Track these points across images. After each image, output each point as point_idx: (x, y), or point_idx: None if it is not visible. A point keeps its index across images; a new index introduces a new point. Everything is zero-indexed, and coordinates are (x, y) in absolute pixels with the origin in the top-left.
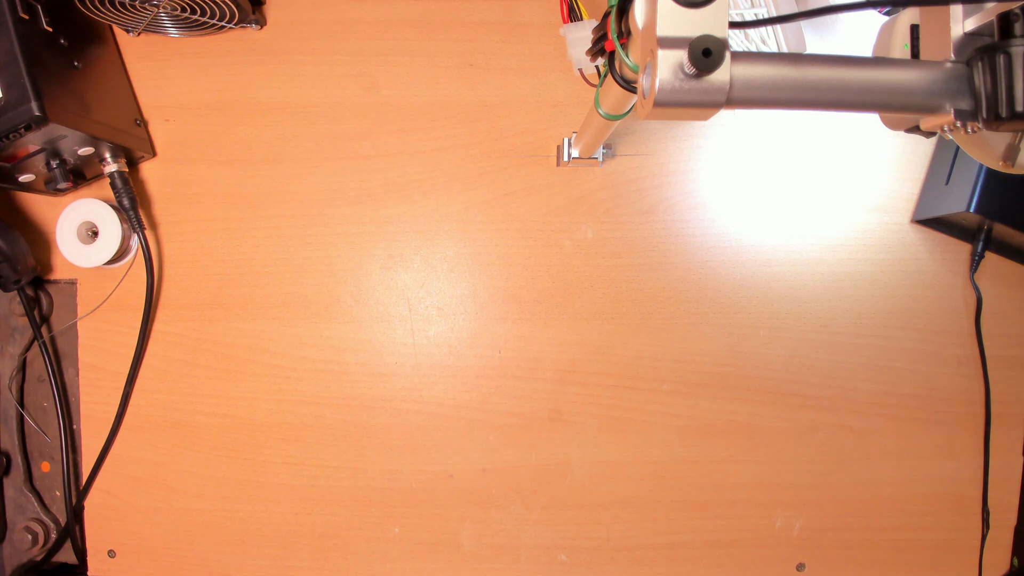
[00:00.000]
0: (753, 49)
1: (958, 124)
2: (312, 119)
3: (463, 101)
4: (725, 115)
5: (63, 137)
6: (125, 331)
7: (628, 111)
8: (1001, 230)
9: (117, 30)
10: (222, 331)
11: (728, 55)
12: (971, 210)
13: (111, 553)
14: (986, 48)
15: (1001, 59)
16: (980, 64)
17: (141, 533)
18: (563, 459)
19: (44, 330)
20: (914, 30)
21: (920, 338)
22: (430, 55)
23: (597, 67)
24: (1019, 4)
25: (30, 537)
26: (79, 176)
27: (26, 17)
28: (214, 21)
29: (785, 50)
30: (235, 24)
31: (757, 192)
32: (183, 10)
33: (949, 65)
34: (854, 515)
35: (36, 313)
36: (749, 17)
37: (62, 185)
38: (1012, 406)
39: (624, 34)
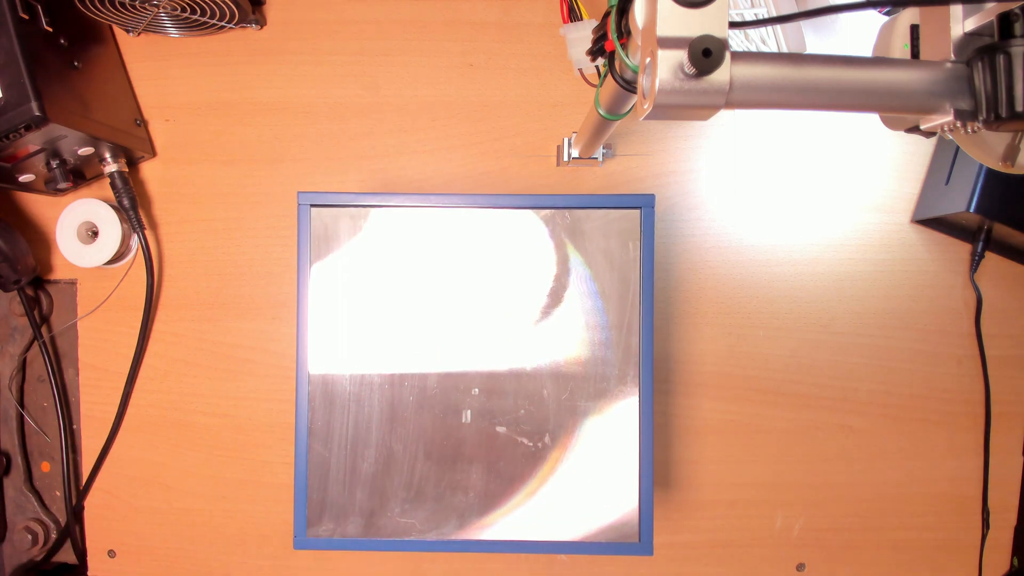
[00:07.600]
0: (753, 49)
1: (958, 124)
2: (312, 119)
3: (463, 101)
4: (725, 115)
5: (63, 137)
6: (125, 331)
7: (628, 111)
8: (1001, 230)
9: (117, 30)
10: (222, 331)
11: (728, 55)
12: (971, 210)
13: (111, 553)
14: (986, 48)
15: (1001, 59)
16: (980, 64)
17: (141, 533)
18: None
19: (44, 330)
20: (914, 30)
21: (920, 338)
22: (430, 55)
23: (597, 67)
24: (1019, 4)
25: (30, 537)
26: (79, 176)
27: (26, 17)
28: (214, 21)
29: (785, 50)
30: (235, 24)
31: (757, 192)
32: (183, 10)
33: (949, 65)
34: (854, 515)
35: (36, 313)
36: (749, 17)
37: (62, 185)
38: (1012, 406)
39: (624, 34)
